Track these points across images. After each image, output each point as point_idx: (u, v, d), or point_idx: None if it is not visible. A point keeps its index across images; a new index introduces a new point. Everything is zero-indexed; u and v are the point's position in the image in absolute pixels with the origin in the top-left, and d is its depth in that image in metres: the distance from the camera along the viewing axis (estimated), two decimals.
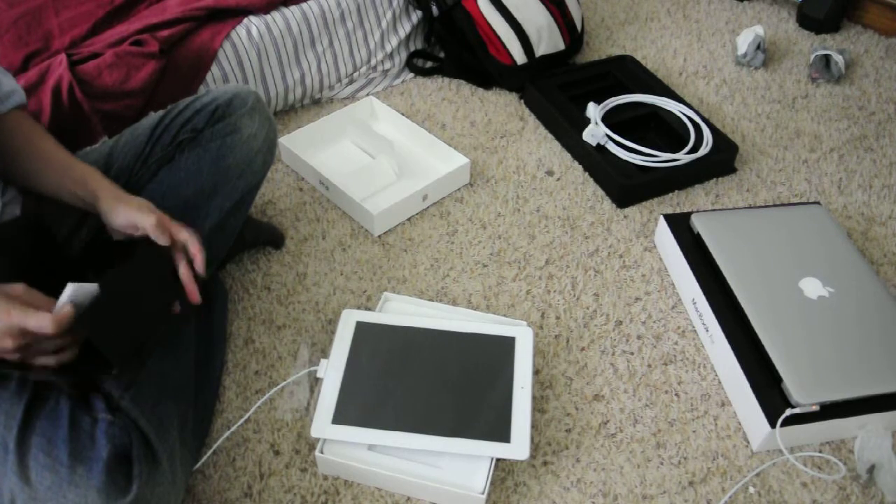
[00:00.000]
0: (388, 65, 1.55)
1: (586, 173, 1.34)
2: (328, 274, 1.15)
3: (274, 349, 1.04)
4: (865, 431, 0.90)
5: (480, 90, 1.55)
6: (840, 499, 0.88)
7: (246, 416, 0.95)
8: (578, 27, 1.58)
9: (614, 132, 1.32)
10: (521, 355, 0.95)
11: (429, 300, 1.08)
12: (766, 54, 1.61)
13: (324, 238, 1.21)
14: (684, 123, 1.36)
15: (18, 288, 0.66)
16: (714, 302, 1.01)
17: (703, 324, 1.03)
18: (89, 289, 0.68)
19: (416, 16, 1.56)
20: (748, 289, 1.00)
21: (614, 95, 1.43)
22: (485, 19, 1.49)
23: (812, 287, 1.00)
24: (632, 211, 1.27)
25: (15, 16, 1.30)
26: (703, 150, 1.30)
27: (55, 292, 0.67)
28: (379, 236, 1.21)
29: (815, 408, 0.88)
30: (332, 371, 0.93)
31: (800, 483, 0.89)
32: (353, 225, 1.23)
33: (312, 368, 0.98)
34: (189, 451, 0.86)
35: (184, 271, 0.79)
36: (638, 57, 1.65)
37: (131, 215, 0.77)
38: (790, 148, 1.41)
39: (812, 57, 1.59)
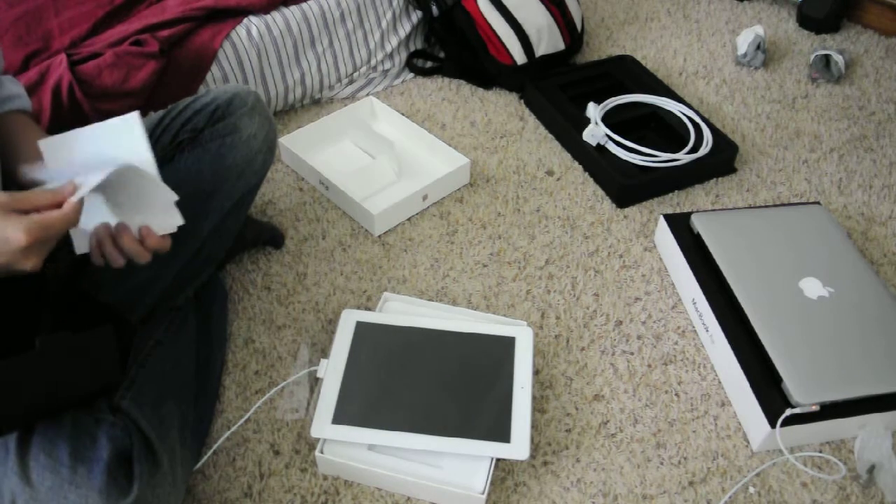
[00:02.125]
0: (388, 65, 1.55)
1: (586, 173, 1.34)
2: (328, 274, 1.15)
3: (274, 349, 1.04)
4: (865, 431, 0.90)
5: (480, 90, 1.55)
6: (840, 499, 0.88)
7: (246, 416, 0.95)
8: (578, 27, 1.58)
9: (614, 132, 1.32)
10: (521, 355, 0.95)
11: (429, 300, 1.08)
12: (766, 54, 1.61)
13: (324, 238, 1.21)
14: (684, 123, 1.36)
15: (2, 195, 0.61)
16: (714, 302, 1.01)
17: (703, 324, 1.03)
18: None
19: (416, 16, 1.56)
20: (748, 289, 1.00)
21: (614, 95, 1.43)
22: (485, 19, 1.49)
23: (812, 287, 1.00)
24: (632, 211, 1.27)
25: (15, 16, 1.30)
26: (703, 150, 1.30)
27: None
28: (379, 236, 1.21)
29: (815, 408, 0.88)
30: (332, 371, 0.93)
31: (800, 483, 0.89)
32: (353, 225, 1.23)
33: (312, 368, 0.98)
34: (189, 452, 0.86)
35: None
36: (638, 57, 1.65)
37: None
38: (790, 148, 1.41)
39: (812, 57, 1.59)
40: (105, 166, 0.68)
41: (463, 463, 0.86)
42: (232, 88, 0.95)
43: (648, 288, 1.13)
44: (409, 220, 1.24)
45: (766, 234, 1.07)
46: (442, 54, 1.62)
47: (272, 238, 1.18)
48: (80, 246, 0.73)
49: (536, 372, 1.02)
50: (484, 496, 0.82)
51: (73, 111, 1.19)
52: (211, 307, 1.03)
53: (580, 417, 0.96)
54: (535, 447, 0.92)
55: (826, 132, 1.45)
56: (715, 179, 1.33)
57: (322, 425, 0.87)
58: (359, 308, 1.10)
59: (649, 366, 1.02)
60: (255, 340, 1.05)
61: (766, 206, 1.15)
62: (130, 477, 0.71)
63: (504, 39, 1.49)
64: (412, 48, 1.60)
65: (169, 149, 0.92)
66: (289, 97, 1.45)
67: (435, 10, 1.55)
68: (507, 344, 0.96)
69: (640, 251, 1.19)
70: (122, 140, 0.74)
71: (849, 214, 1.27)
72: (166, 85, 1.27)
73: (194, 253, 0.93)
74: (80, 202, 0.64)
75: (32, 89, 1.18)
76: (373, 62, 1.52)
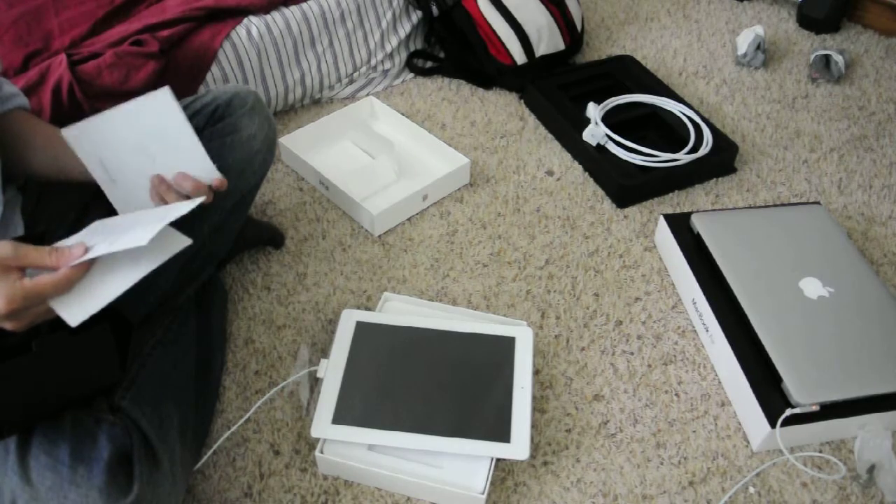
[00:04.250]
0: (388, 65, 1.55)
1: (586, 173, 1.34)
2: (328, 274, 1.15)
3: (274, 349, 1.04)
4: (865, 431, 0.90)
5: (480, 90, 1.55)
6: (840, 499, 0.88)
7: (246, 416, 0.95)
8: (578, 27, 1.58)
9: (614, 132, 1.32)
10: (521, 355, 0.95)
11: (429, 300, 1.08)
12: (766, 54, 1.61)
13: (324, 238, 1.21)
14: (684, 123, 1.36)
15: (7, 247, 0.60)
16: (714, 302, 1.01)
17: (703, 324, 1.03)
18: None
19: (416, 16, 1.56)
20: (748, 289, 1.00)
21: (614, 95, 1.43)
22: (485, 19, 1.49)
23: (812, 287, 1.00)
24: (632, 211, 1.27)
25: (15, 16, 1.30)
26: (703, 150, 1.30)
27: None
28: (379, 236, 1.21)
29: (815, 408, 0.88)
30: (332, 371, 0.93)
31: (800, 483, 0.89)
32: (353, 225, 1.23)
33: (312, 368, 0.98)
34: (189, 452, 0.86)
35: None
36: (638, 57, 1.65)
37: None
38: (790, 148, 1.41)
39: (812, 57, 1.59)
40: (142, 144, 0.73)
41: (463, 463, 0.86)
42: (232, 88, 0.95)
43: (648, 288, 1.13)
44: (409, 220, 1.24)
45: (766, 234, 1.07)
46: (442, 54, 1.62)
47: (272, 238, 1.18)
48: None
49: (536, 372, 1.02)
50: (484, 496, 0.82)
51: (73, 111, 1.19)
52: (211, 307, 1.03)
53: (580, 417, 0.96)
54: (535, 447, 0.92)
55: (826, 132, 1.45)
56: (715, 179, 1.33)
57: (322, 425, 0.87)
58: (359, 308, 1.10)
59: (649, 366, 1.02)
60: (255, 340, 1.05)
61: (766, 206, 1.15)
62: (130, 476, 0.71)
63: (504, 39, 1.49)
64: (412, 48, 1.60)
65: None
66: (289, 97, 1.45)
67: (435, 10, 1.55)
68: (507, 344, 0.96)
69: (640, 251, 1.19)
70: (156, 115, 0.76)
71: (849, 214, 1.27)
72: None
73: (195, 253, 0.93)
74: (77, 269, 0.62)
75: (32, 89, 1.18)
76: (373, 62, 1.52)
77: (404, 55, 1.58)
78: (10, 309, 0.59)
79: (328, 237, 1.21)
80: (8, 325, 0.61)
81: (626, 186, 1.26)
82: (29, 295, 0.60)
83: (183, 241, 0.69)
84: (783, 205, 1.19)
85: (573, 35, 1.56)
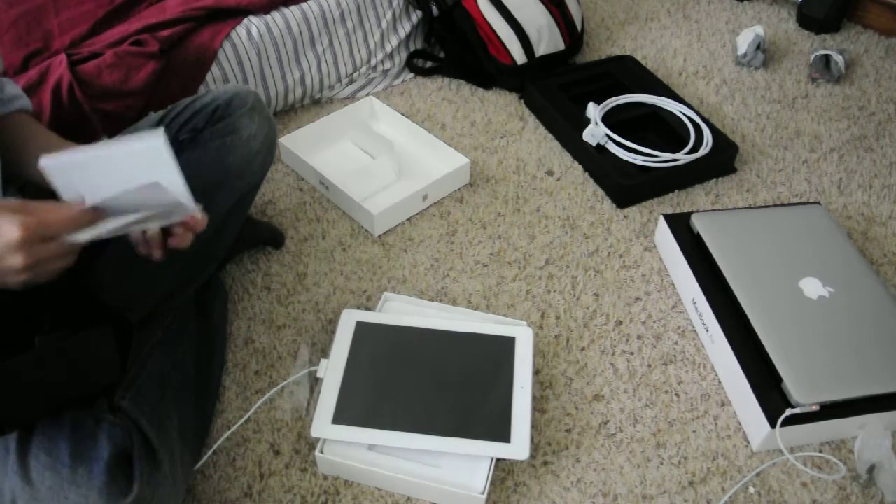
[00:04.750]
0: (388, 65, 1.55)
1: (586, 173, 1.34)
2: (328, 274, 1.15)
3: (274, 349, 1.04)
4: (865, 431, 0.90)
5: (480, 90, 1.55)
6: (840, 499, 0.88)
7: (246, 416, 0.95)
8: (578, 27, 1.58)
9: (614, 132, 1.32)
10: (521, 355, 0.95)
11: (429, 300, 1.08)
12: (766, 54, 1.61)
13: (324, 238, 1.21)
14: (684, 123, 1.36)
15: (13, 200, 0.62)
16: (714, 302, 1.01)
17: (703, 324, 1.03)
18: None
19: (416, 16, 1.56)
20: (748, 289, 1.00)
21: (614, 95, 1.43)
22: (485, 19, 1.49)
23: (812, 287, 1.00)
24: (632, 211, 1.27)
25: (15, 16, 1.30)
26: (703, 150, 1.30)
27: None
28: (379, 236, 1.21)
29: (815, 408, 0.88)
30: (332, 371, 0.93)
31: (800, 483, 0.89)
32: (353, 225, 1.23)
33: (312, 368, 0.98)
34: (189, 452, 0.86)
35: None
36: (638, 57, 1.65)
37: None
38: (790, 148, 1.41)
39: (812, 57, 1.59)
40: (125, 192, 0.66)
41: (463, 463, 0.86)
42: (232, 88, 0.95)
43: (648, 288, 1.13)
44: (409, 220, 1.24)
45: (766, 234, 1.07)
46: (442, 54, 1.62)
47: (272, 238, 1.18)
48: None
49: (536, 372, 1.02)
50: (484, 496, 0.82)
51: (73, 111, 1.19)
52: (211, 307, 1.03)
53: (580, 417, 0.96)
54: (535, 447, 0.92)
55: (826, 132, 1.45)
56: (715, 179, 1.33)
57: (322, 425, 0.87)
58: (359, 308, 1.10)
59: (649, 366, 1.02)
60: (255, 340, 1.05)
61: (766, 206, 1.15)
62: (130, 477, 0.71)
63: (504, 39, 1.49)
64: (412, 48, 1.60)
65: None
66: (289, 97, 1.45)
67: (435, 10, 1.55)
68: (507, 344, 0.96)
69: (640, 251, 1.19)
70: (147, 165, 0.68)
71: (849, 214, 1.27)
72: (166, 85, 1.27)
73: (194, 253, 0.93)
74: (89, 211, 0.63)
75: (32, 89, 1.18)
76: (373, 62, 1.52)
77: (404, 55, 1.58)
78: (25, 234, 0.58)
79: (328, 237, 1.21)
80: (18, 261, 0.59)
81: (626, 186, 1.26)
82: (42, 222, 0.60)
83: (158, 135, 0.65)
84: (783, 205, 1.19)
85: (573, 35, 1.56)
